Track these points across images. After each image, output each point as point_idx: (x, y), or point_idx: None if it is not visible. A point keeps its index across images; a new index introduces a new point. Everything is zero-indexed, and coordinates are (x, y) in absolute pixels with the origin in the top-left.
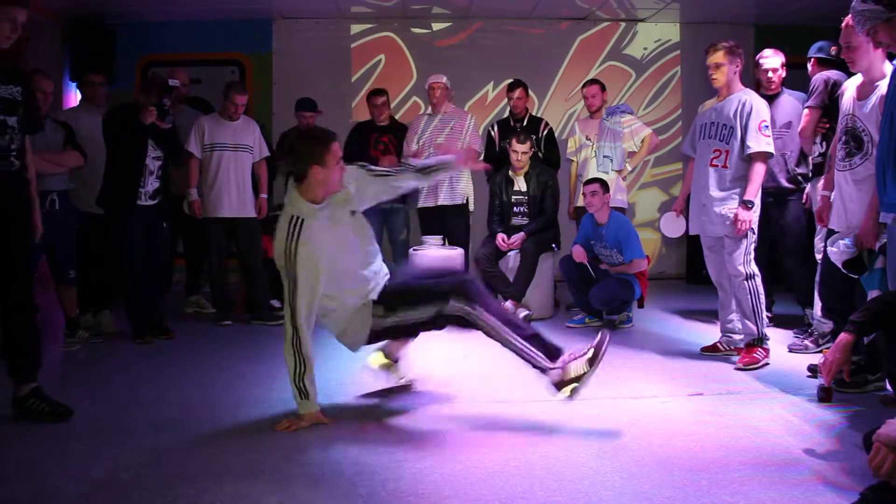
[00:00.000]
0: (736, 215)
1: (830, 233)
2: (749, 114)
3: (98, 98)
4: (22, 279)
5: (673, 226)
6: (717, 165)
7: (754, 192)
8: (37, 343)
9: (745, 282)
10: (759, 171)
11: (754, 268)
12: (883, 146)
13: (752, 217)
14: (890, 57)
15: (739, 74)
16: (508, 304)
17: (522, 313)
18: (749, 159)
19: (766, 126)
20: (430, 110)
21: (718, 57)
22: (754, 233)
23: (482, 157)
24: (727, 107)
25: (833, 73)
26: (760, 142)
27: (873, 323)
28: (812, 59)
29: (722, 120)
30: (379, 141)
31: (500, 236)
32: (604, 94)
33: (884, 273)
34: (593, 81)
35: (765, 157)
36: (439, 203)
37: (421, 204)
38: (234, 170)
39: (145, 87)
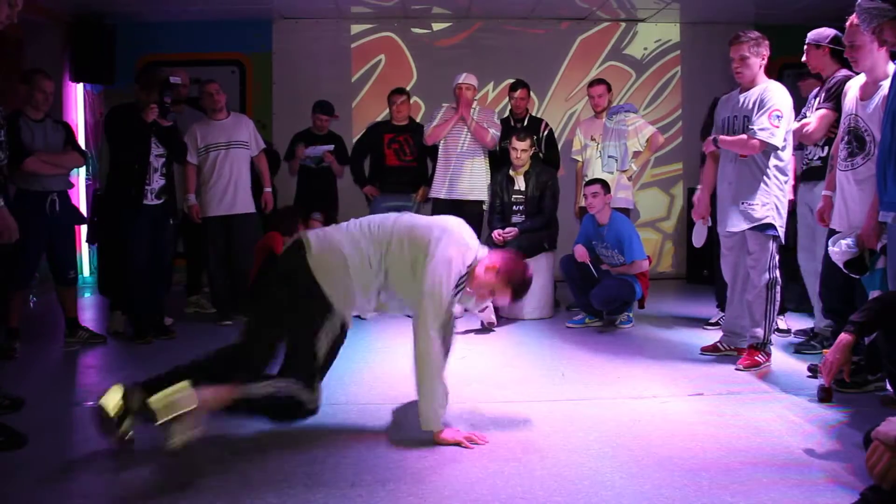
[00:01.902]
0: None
1: (832, 233)
2: (765, 101)
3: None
4: None
5: (699, 235)
6: (742, 158)
7: (725, 142)
8: None
9: (767, 289)
10: (743, 140)
11: (778, 275)
12: (884, 146)
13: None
14: (893, 57)
15: (765, 67)
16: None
17: (490, 314)
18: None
19: (779, 116)
20: (447, 112)
21: (744, 49)
22: (777, 233)
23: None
24: (749, 98)
25: (849, 74)
26: (765, 129)
27: (874, 323)
28: (825, 49)
29: (744, 113)
30: (394, 140)
31: (496, 231)
32: (610, 94)
33: (885, 273)
34: (600, 81)
35: (764, 145)
36: (454, 197)
37: (434, 194)
38: (230, 167)
39: (146, 85)
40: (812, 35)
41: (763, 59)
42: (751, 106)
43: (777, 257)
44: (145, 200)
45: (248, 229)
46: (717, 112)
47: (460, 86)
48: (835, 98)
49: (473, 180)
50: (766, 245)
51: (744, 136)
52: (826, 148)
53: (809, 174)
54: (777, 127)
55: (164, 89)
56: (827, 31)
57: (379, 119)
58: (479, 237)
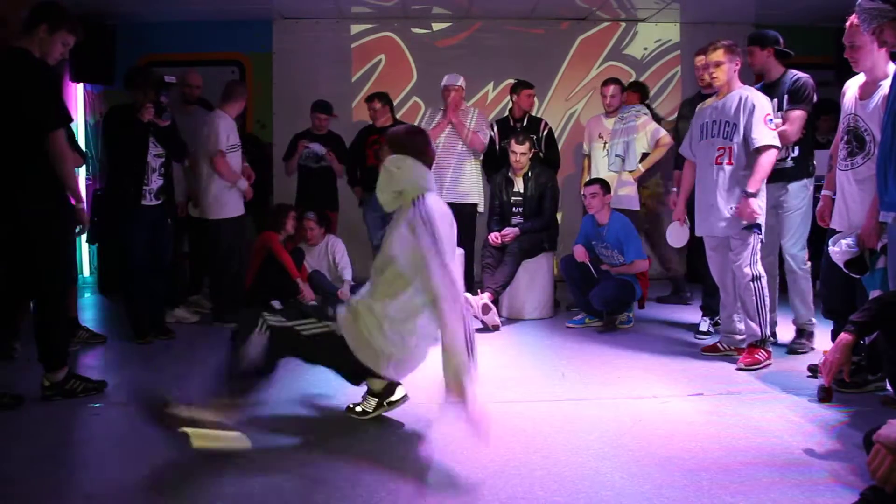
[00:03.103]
0: (739, 209)
1: (832, 232)
2: (752, 109)
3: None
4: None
5: (678, 235)
6: (721, 163)
7: (756, 184)
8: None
9: (752, 283)
10: (763, 162)
11: (760, 269)
12: (885, 145)
13: (758, 209)
14: (893, 57)
15: (738, 72)
16: (486, 296)
17: (494, 316)
18: (757, 152)
19: (771, 119)
20: (439, 115)
21: (718, 55)
22: (761, 232)
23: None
24: (728, 104)
25: (805, 76)
26: (766, 135)
27: (874, 323)
28: (769, 49)
29: (724, 118)
30: (376, 141)
31: (493, 234)
32: (623, 94)
33: (885, 273)
34: (614, 81)
35: (770, 149)
36: (446, 200)
37: None
38: (239, 168)
39: (142, 85)
40: (754, 35)
41: (737, 65)
42: (732, 111)
43: (759, 253)
44: (144, 201)
45: (245, 229)
46: (693, 121)
47: (447, 87)
48: (806, 100)
49: (465, 183)
50: (747, 242)
51: (763, 161)
52: (797, 148)
53: (778, 175)
54: (773, 129)
55: (159, 88)
56: (771, 33)
57: None
58: (472, 239)
